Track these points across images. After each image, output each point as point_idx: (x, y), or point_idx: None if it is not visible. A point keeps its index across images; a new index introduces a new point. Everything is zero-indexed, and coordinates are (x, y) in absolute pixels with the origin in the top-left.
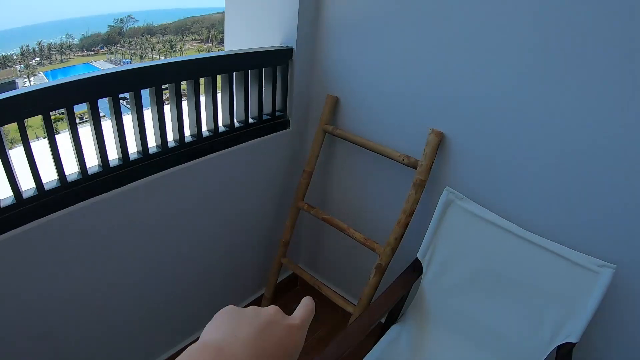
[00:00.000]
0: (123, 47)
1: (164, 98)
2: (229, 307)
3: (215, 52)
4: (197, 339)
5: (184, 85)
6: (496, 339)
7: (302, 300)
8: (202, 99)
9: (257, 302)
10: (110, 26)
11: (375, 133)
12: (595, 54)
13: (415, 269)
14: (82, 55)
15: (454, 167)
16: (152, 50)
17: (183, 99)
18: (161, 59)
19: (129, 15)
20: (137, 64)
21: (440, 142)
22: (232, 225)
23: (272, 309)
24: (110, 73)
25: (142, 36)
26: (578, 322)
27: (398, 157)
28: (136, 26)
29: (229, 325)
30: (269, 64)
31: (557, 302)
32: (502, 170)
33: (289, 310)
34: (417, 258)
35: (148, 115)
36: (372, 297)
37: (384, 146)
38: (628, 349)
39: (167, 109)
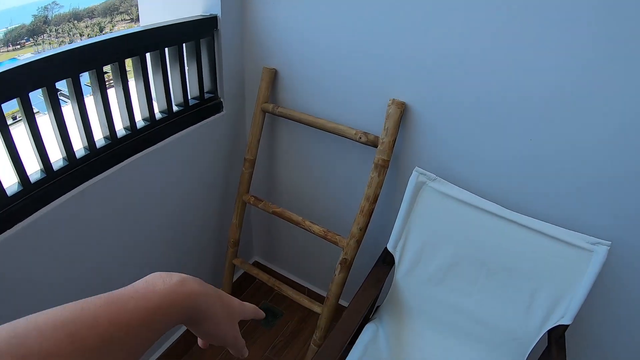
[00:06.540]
0: (50, 36)
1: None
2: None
3: (120, 31)
4: None
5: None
6: (483, 329)
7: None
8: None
9: None
10: (34, 16)
11: (324, 108)
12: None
13: (386, 262)
14: (8, 51)
15: (420, 143)
16: (80, 35)
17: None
18: (55, 48)
19: (53, 2)
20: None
21: (402, 115)
22: (175, 233)
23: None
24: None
25: (69, 22)
26: (572, 303)
27: (354, 135)
28: (62, 12)
29: None
30: (191, 37)
31: (547, 284)
32: (475, 143)
33: None
34: (386, 249)
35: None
36: (339, 295)
37: (336, 123)
38: (624, 328)
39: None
